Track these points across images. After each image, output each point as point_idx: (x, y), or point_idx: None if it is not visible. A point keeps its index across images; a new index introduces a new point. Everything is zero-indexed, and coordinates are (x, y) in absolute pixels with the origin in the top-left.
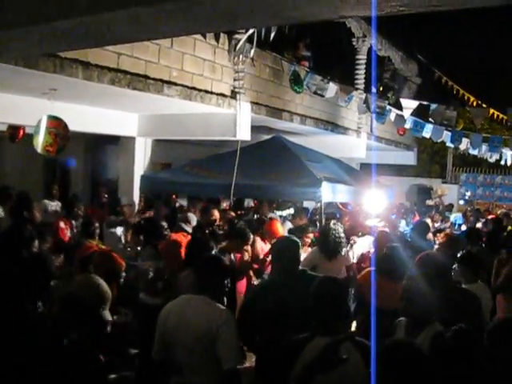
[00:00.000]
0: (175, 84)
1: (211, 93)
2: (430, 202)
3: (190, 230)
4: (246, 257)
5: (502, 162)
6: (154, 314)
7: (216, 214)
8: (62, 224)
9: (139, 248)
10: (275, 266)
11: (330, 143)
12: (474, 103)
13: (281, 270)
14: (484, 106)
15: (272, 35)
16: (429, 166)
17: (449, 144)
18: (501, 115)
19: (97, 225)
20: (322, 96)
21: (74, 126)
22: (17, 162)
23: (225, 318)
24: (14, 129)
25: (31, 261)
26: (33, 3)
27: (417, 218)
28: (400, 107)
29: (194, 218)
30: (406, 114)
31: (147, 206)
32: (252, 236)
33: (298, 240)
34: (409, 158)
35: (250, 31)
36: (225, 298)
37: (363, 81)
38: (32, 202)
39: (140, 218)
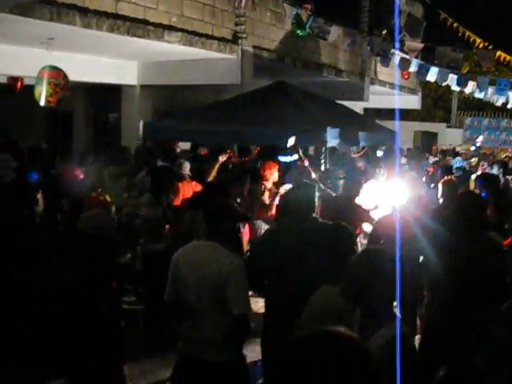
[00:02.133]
0: (175, 29)
1: (212, 38)
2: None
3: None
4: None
5: (509, 106)
6: (157, 258)
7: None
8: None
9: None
10: (290, 212)
11: (333, 88)
12: (481, 45)
13: (295, 216)
14: (491, 48)
15: None
16: (433, 110)
17: (454, 87)
18: (508, 57)
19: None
20: (325, 39)
21: (73, 75)
22: (18, 114)
23: (235, 265)
24: (13, 80)
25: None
26: None
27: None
28: (405, 50)
29: (186, 164)
30: (411, 57)
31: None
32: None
33: (314, 186)
34: (413, 102)
35: None
36: None
37: (367, 24)
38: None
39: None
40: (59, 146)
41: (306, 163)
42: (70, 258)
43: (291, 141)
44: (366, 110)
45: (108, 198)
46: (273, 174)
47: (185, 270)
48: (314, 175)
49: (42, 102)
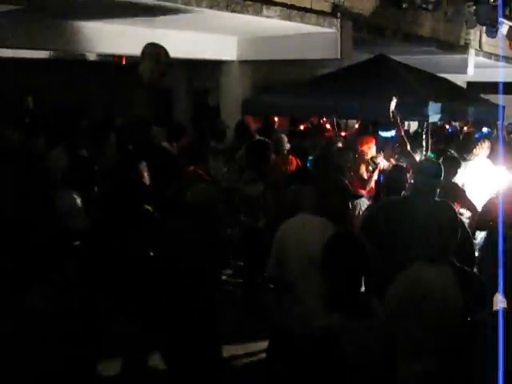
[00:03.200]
0: (274, 4)
1: (311, 11)
2: None
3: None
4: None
5: None
6: (256, 234)
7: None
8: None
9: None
10: (413, 189)
11: (435, 61)
12: None
13: (412, 196)
14: None
15: None
16: None
17: None
18: None
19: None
20: (428, 10)
21: (174, 52)
22: (122, 90)
23: None
24: (117, 57)
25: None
26: None
27: None
28: None
29: (285, 140)
30: None
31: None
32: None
33: (439, 167)
34: None
35: None
36: None
37: None
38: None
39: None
40: (159, 122)
41: (403, 133)
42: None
43: (393, 103)
44: (469, 83)
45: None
46: (370, 149)
47: (290, 244)
48: (408, 147)
49: (146, 80)
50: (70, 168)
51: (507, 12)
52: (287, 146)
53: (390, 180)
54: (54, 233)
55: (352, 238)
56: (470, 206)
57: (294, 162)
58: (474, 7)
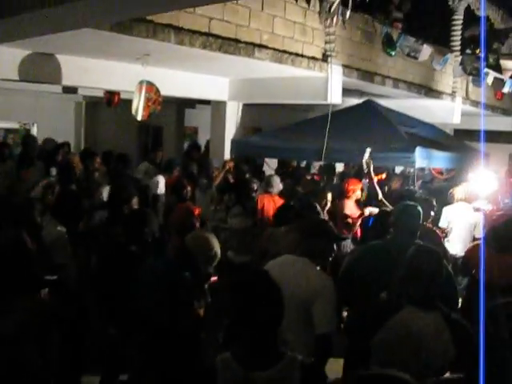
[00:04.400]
0: (266, 47)
1: (302, 56)
2: None
3: (274, 191)
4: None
5: None
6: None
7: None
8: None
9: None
10: (395, 230)
11: (423, 108)
12: None
13: (395, 237)
14: None
15: None
16: None
17: None
18: None
19: (189, 188)
20: (416, 58)
21: (165, 90)
22: (112, 126)
23: (325, 283)
24: (110, 94)
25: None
26: None
27: None
28: (499, 69)
29: (275, 181)
30: (506, 76)
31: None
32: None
33: (419, 209)
34: (506, 123)
35: None
36: None
37: (459, 42)
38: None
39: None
40: (149, 159)
41: (375, 181)
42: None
43: (366, 154)
44: (456, 130)
45: (197, 210)
46: (355, 192)
47: None
48: (380, 196)
49: (139, 117)
50: (58, 201)
51: (492, 62)
52: (280, 186)
53: (376, 224)
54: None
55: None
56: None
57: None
58: (460, 57)
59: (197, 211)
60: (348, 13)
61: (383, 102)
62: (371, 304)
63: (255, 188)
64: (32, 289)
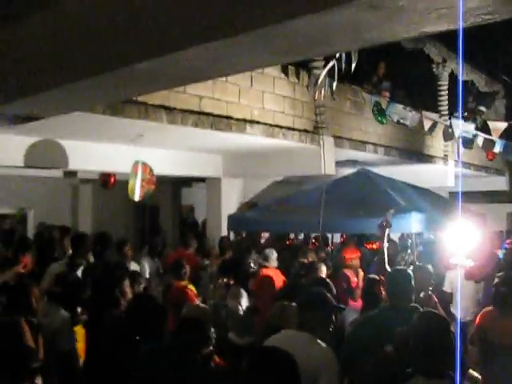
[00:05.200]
0: (257, 123)
1: (293, 129)
2: None
3: (271, 265)
4: None
5: None
6: (243, 353)
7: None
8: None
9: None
10: (390, 296)
11: (417, 172)
12: None
13: (390, 304)
14: None
15: (353, 66)
16: None
17: None
18: None
19: (187, 267)
20: (406, 125)
21: (160, 169)
22: (109, 208)
23: (328, 358)
24: (105, 176)
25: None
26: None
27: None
28: (488, 130)
29: (273, 255)
30: (495, 137)
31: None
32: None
33: (410, 273)
34: (500, 183)
35: (330, 64)
36: None
37: (447, 107)
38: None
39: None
40: (146, 239)
41: (385, 247)
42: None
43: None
44: (451, 193)
45: (192, 289)
46: (353, 260)
47: None
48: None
49: (136, 197)
50: (57, 284)
51: (480, 124)
52: (275, 263)
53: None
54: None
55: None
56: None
57: (281, 278)
58: (449, 121)
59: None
60: (335, 84)
61: (377, 170)
62: (377, 372)
63: (252, 265)
64: (22, 378)
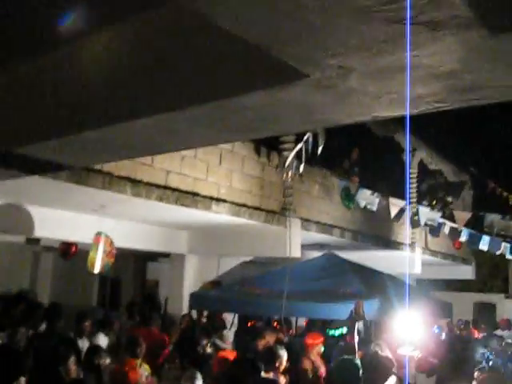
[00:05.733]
0: (224, 201)
1: (260, 209)
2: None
3: (226, 346)
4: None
5: None
6: None
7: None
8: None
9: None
10: None
11: (384, 259)
12: None
13: None
14: None
15: (320, 149)
16: (490, 280)
17: (508, 256)
18: None
19: (143, 345)
20: (373, 211)
21: (122, 242)
22: (71, 278)
23: None
24: (66, 245)
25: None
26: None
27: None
28: (454, 220)
29: (229, 336)
30: (460, 226)
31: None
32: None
33: (357, 363)
34: (467, 272)
35: (298, 147)
36: None
37: (415, 194)
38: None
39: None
40: (108, 313)
41: (356, 340)
42: None
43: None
44: (419, 280)
45: (145, 369)
46: (315, 347)
47: None
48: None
49: (96, 269)
50: None
51: (447, 213)
52: (228, 345)
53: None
54: None
55: None
56: None
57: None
58: (416, 209)
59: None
60: (302, 166)
61: (344, 254)
62: None
63: (206, 345)
64: None
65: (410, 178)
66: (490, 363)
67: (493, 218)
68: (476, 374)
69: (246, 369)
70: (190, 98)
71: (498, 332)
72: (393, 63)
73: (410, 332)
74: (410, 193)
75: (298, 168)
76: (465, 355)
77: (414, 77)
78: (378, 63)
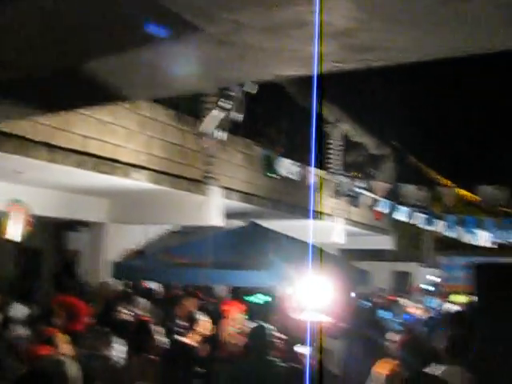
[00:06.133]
0: (144, 168)
1: (181, 177)
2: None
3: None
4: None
5: (477, 243)
6: None
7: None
8: None
9: None
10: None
11: (306, 228)
12: (449, 185)
13: (252, 357)
14: (453, 186)
15: (241, 117)
16: (409, 250)
17: (425, 226)
18: (471, 196)
19: (62, 314)
20: (294, 180)
21: (40, 210)
22: None
23: None
24: None
25: None
26: None
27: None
28: (374, 191)
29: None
30: (380, 197)
31: None
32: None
33: (270, 327)
34: (387, 242)
35: (216, 113)
36: None
37: (337, 165)
38: None
39: None
40: (28, 285)
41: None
42: None
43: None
44: (341, 250)
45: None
46: (233, 313)
47: None
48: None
49: (9, 236)
50: None
51: (367, 185)
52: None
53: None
54: None
55: None
56: None
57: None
58: (338, 180)
59: None
60: (224, 134)
61: (267, 224)
62: None
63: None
64: None
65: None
66: (404, 327)
67: (409, 189)
68: (390, 335)
69: None
70: None
71: (412, 298)
72: (288, 19)
73: (316, 298)
74: (332, 163)
75: (220, 136)
76: (372, 320)
77: (308, 34)
78: (273, 18)
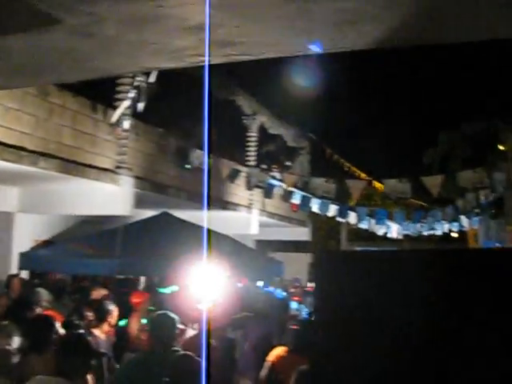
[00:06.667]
0: (52, 156)
1: (92, 167)
2: None
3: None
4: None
5: (388, 235)
6: None
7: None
8: None
9: None
10: (150, 342)
11: (221, 219)
12: (362, 177)
13: (154, 346)
14: (364, 178)
15: (141, 106)
16: (325, 241)
17: (337, 218)
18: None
19: None
20: (207, 169)
21: None
22: None
23: None
24: None
25: None
26: None
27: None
28: (286, 182)
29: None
30: (292, 188)
31: None
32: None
33: (174, 316)
34: (303, 233)
35: (124, 103)
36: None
37: (253, 157)
38: None
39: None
40: None
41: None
42: None
43: None
44: (258, 241)
45: None
46: (140, 304)
47: None
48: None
49: None
50: None
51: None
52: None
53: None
54: None
55: None
56: None
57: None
58: (252, 171)
59: None
60: (127, 123)
61: (181, 214)
62: None
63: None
64: None
65: (249, 140)
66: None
67: (318, 181)
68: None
69: None
70: None
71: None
72: (142, 12)
73: (212, 288)
74: (249, 156)
75: (125, 124)
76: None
77: (167, 28)
78: (128, 11)
